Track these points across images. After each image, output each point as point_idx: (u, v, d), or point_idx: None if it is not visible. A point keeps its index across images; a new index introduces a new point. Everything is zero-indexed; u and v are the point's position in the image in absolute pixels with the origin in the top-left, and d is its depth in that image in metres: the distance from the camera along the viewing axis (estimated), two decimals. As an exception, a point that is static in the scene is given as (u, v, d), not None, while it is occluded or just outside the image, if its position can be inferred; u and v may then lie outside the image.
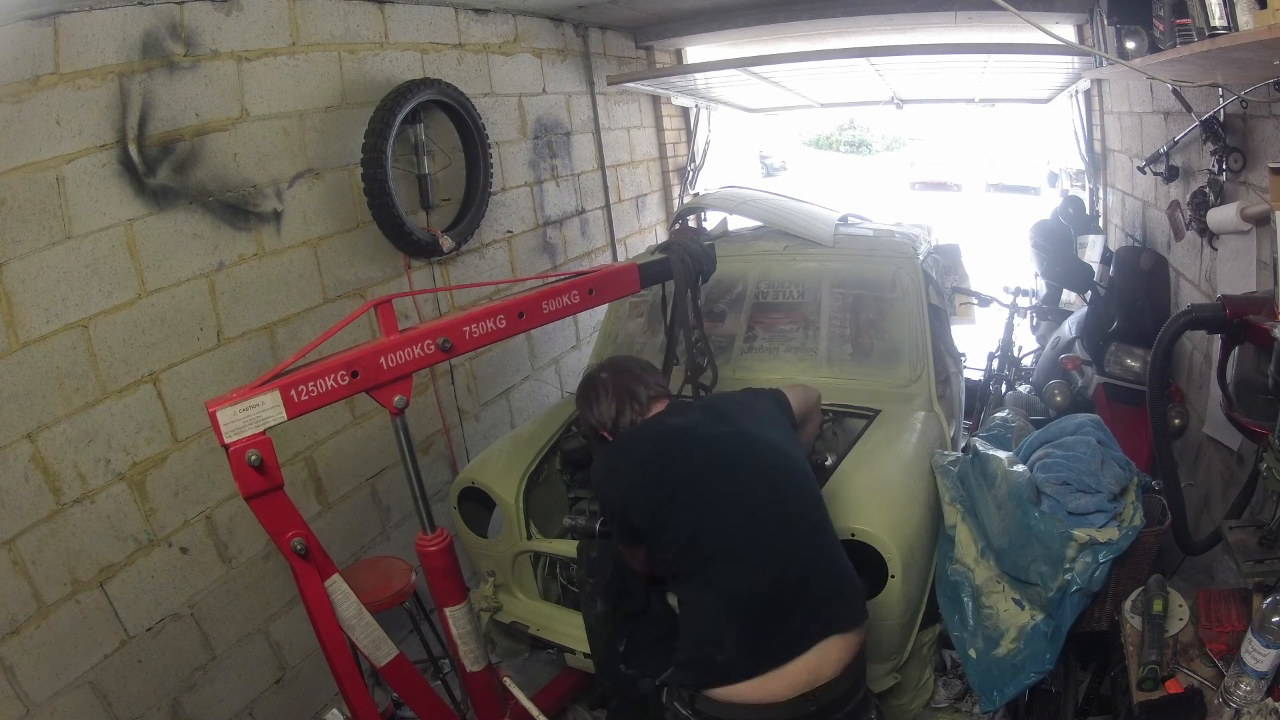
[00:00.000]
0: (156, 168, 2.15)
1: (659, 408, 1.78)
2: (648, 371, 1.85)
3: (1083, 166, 4.78)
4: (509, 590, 2.43)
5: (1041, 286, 4.39)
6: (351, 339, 2.13)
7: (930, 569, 2.12)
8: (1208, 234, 2.47)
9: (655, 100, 5.02)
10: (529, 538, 2.34)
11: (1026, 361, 4.33)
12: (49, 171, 1.90)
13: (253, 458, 1.42)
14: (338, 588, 1.61)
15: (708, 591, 1.54)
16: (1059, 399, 3.22)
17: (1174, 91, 2.58)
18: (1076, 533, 1.80)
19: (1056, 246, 3.64)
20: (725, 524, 1.54)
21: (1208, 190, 2.42)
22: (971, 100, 5.58)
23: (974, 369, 4.04)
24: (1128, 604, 1.72)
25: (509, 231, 3.61)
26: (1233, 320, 1.74)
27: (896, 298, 2.73)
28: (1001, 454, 2.12)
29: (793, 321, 2.80)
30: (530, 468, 2.39)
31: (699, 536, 1.54)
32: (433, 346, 1.69)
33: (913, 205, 13.89)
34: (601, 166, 4.40)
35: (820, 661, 1.47)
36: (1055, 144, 7.05)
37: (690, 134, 5.42)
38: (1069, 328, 3.65)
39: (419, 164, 2.96)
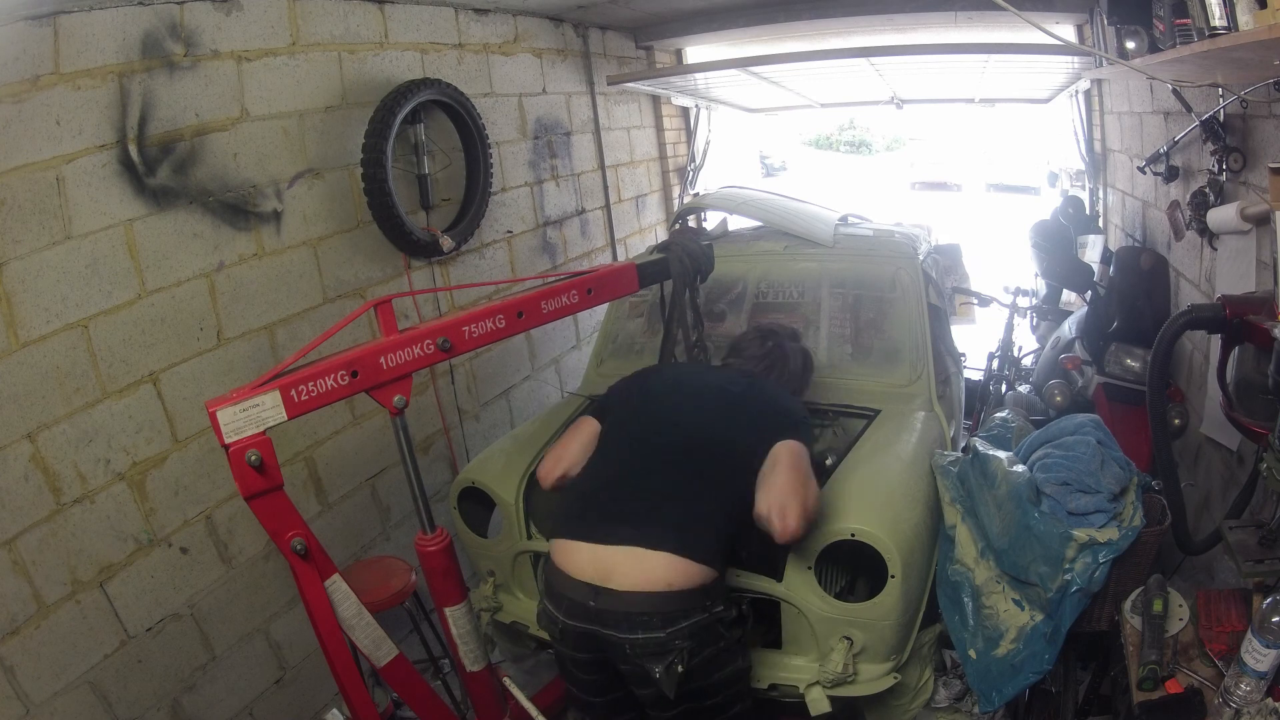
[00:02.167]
0: (156, 168, 2.15)
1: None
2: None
3: (1083, 166, 4.78)
4: (509, 590, 2.43)
5: (1041, 286, 4.39)
6: (351, 339, 2.14)
7: (930, 569, 2.12)
8: (1208, 234, 2.47)
9: (655, 100, 5.02)
10: (529, 538, 2.34)
11: (1026, 361, 4.33)
12: (49, 171, 1.90)
13: (253, 458, 1.42)
14: (338, 588, 1.61)
15: (592, 461, 1.87)
16: (1059, 399, 3.21)
17: (1174, 91, 2.58)
18: (1076, 533, 1.80)
19: (1056, 246, 3.64)
20: (634, 429, 1.88)
21: (1208, 190, 2.42)
22: (971, 100, 5.58)
23: (974, 369, 4.04)
24: (1128, 604, 1.72)
25: (509, 231, 3.61)
26: (1233, 320, 1.74)
27: (896, 298, 2.73)
28: (1001, 454, 2.12)
29: (793, 322, 2.79)
30: (530, 468, 2.39)
31: (616, 424, 1.91)
32: (432, 346, 1.70)
33: (913, 205, 13.88)
34: (601, 166, 4.40)
35: (611, 564, 1.60)
36: (1055, 144, 7.03)
37: (690, 134, 5.42)
38: (1069, 328, 3.65)
39: (419, 164, 2.96)
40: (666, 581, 1.58)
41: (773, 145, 18.85)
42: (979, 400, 3.86)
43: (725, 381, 1.97)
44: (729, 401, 1.87)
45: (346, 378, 1.56)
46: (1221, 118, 2.29)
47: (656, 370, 2.08)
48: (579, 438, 1.95)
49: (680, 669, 1.59)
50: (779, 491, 1.67)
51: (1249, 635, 1.35)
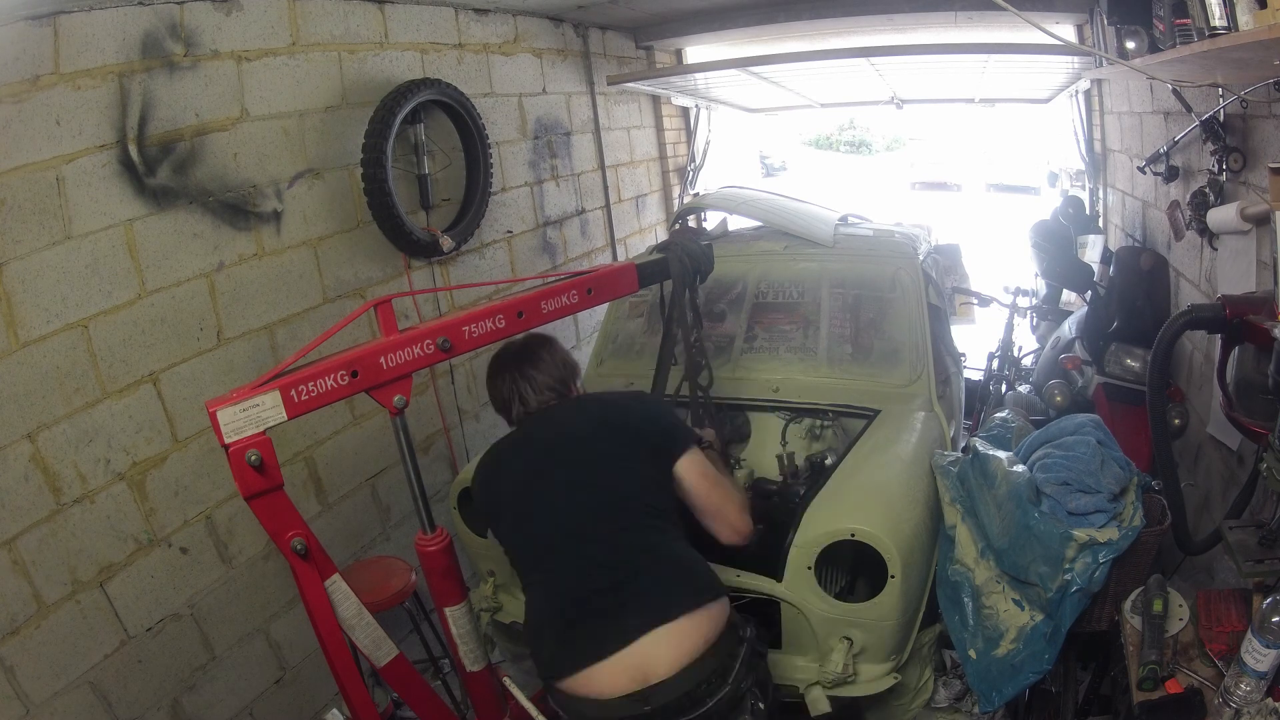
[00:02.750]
0: (156, 168, 2.15)
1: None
2: (545, 365, 1.81)
3: (1083, 166, 4.78)
4: (509, 590, 2.42)
5: (1041, 286, 4.39)
6: (351, 339, 2.13)
7: (930, 569, 2.12)
8: (1208, 234, 2.47)
9: (655, 100, 5.02)
10: (529, 538, 2.34)
11: (1026, 361, 4.34)
12: (49, 171, 1.90)
13: (253, 458, 1.42)
14: (338, 587, 1.61)
15: (532, 590, 1.68)
16: (1059, 399, 3.21)
17: (1174, 91, 2.58)
18: (1076, 533, 1.79)
19: (1056, 246, 3.64)
20: (541, 534, 1.66)
21: (1208, 190, 2.42)
22: (971, 100, 5.58)
23: (974, 369, 4.04)
24: (1128, 604, 1.72)
25: (509, 231, 3.62)
26: (1233, 320, 1.74)
27: (896, 298, 2.73)
28: (1001, 454, 2.11)
29: (793, 321, 2.79)
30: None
31: (521, 542, 1.71)
32: (432, 346, 1.69)
33: (913, 205, 13.89)
34: (601, 166, 4.40)
35: (645, 660, 1.46)
36: (1055, 144, 7.04)
37: (690, 134, 5.43)
38: (1069, 328, 3.65)
39: (419, 164, 2.96)
40: (704, 638, 1.50)
41: (773, 145, 18.86)
42: (979, 400, 3.86)
43: (567, 440, 1.73)
44: (596, 461, 1.69)
45: (346, 378, 1.56)
46: (1221, 118, 2.29)
47: (501, 459, 1.81)
48: None
49: (763, 707, 1.57)
50: (712, 513, 1.74)
51: (1249, 635, 1.35)
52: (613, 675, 1.47)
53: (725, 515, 1.75)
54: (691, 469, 1.71)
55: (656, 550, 1.60)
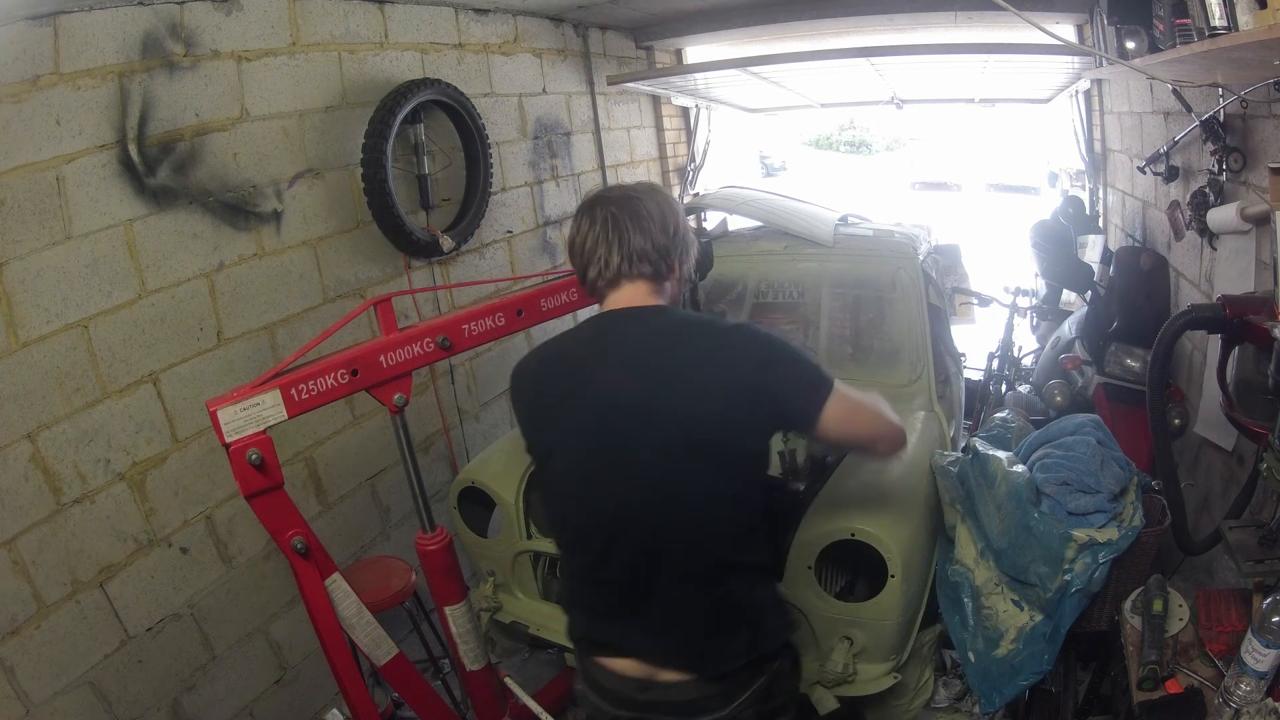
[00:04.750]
0: (156, 168, 2.15)
1: (615, 300, 1.36)
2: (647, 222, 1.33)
3: (1083, 166, 4.77)
4: (509, 590, 2.42)
5: (1041, 286, 4.38)
6: (351, 338, 2.14)
7: (930, 569, 2.12)
8: (1208, 234, 2.47)
9: (655, 100, 5.02)
10: (529, 538, 2.34)
11: (1026, 361, 4.33)
12: (49, 171, 1.90)
13: (253, 456, 1.42)
14: (338, 586, 1.61)
15: (566, 563, 1.49)
16: (1059, 399, 3.21)
17: (1174, 91, 2.58)
18: (1076, 533, 1.79)
19: (1056, 246, 3.64)
20: (588, 513, 1.37)
21: (1208, 190, 2.42)
22: (971, 100, 5.58)
23: (974, 369, 4.04)
24: (1128, 604, 1.72)
25: (509, 231, 3.62)
26: (1233, 320, 1.74)
27: (896, 298, 2.73)
28: (1001, 454, 2.11)
29: (793, 321, 2.80)
30: (530, 467, 2.39)
31: (563, 506, 1.41)
32: (432, 345, 1.70)
33: (913, 205, 13.88)
34: (601, 166, 4.40)
35: (652, 670, 1.38)
36: (1055, 144, 7.04)
37: (690, 134, 5.42)
38: (1069, 328, 3.65)
39: (419, 164, 2.96)
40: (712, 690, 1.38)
41: (773, 145, 18.82)
42: (979, 400, 3.86)
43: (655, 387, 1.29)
44: (693, 431, 1.28)
45: (347, 376, 1.56)
46: (1221, 118, 2.29)
47: (550, 387, 1.38)
48: None
49: None
50: (865, 441, 1.48)
51: (1249, 635, 1.35)
52: (623, 667, 1.40)
53: (879, 443, 1.53)
54: (831, 414, 1.41)
55: (696, 595, 1.39)
